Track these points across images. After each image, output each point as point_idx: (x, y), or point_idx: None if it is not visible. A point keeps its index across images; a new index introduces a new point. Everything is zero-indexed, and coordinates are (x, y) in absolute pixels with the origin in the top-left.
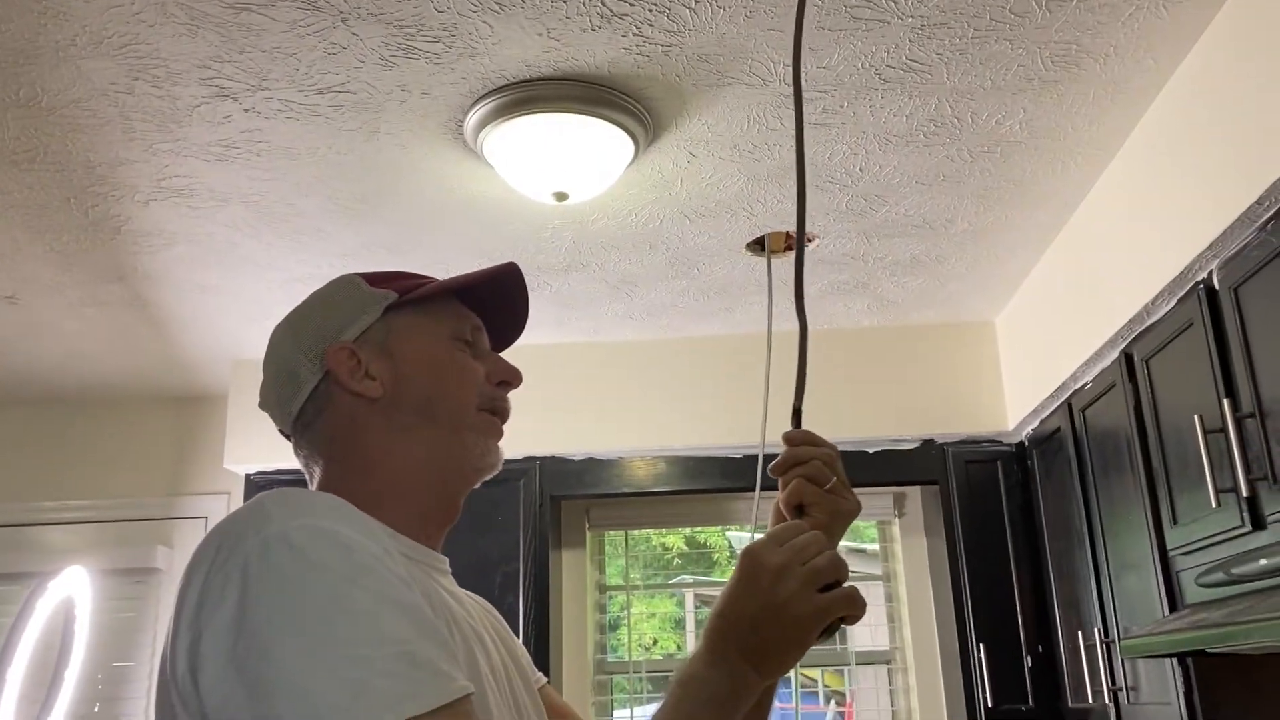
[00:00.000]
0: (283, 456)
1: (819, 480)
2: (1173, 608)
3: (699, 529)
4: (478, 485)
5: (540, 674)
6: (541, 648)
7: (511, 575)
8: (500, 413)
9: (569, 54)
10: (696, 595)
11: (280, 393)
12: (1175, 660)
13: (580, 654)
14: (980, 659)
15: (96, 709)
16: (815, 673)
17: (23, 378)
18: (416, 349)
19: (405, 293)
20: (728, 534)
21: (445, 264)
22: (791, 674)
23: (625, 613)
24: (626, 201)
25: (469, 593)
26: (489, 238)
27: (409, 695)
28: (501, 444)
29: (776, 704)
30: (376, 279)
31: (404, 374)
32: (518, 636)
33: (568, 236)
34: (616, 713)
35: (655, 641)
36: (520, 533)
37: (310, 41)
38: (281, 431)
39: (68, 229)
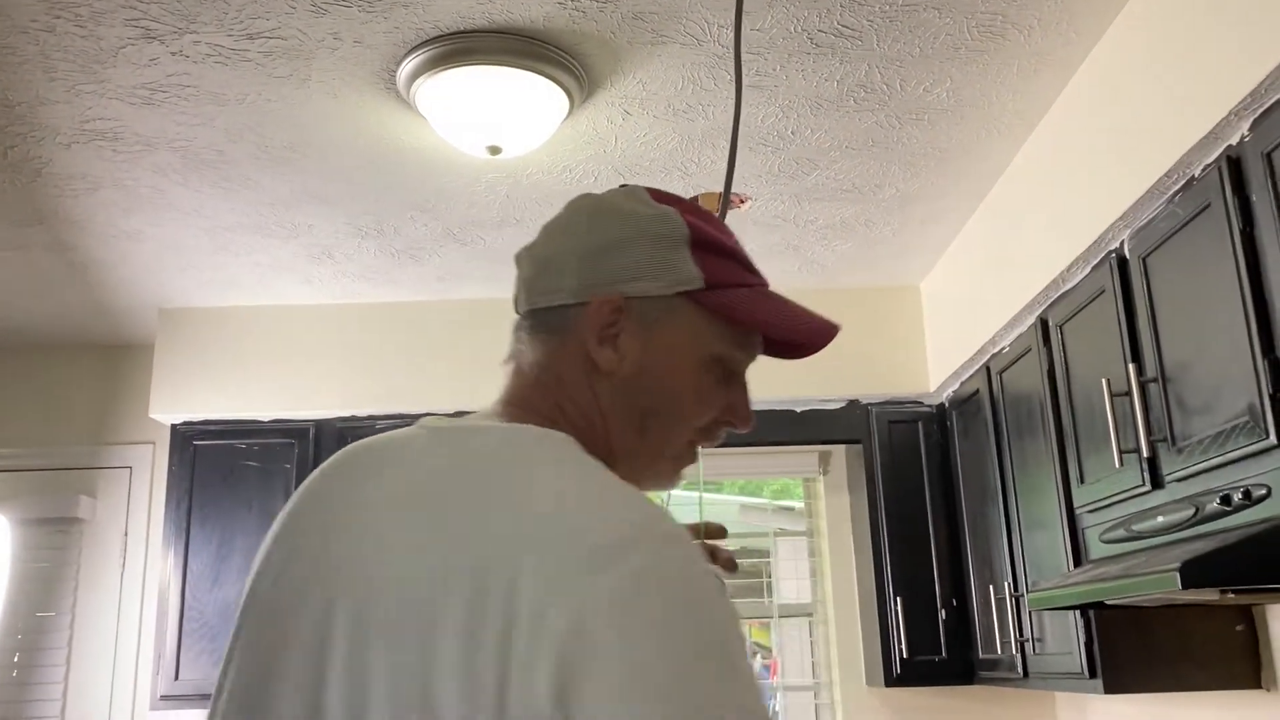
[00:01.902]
0: (211, 408)
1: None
2: (1078, 563)
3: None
4: None
5: None
6: None
7: None
8: (708, 442)
9: (504, 6)
10: None
11: (538, 276)
12: (1077, 612)
13: None
14: (897, 612)
15: (16, 659)
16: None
17: None
18: (673, 351)
19: (714, 287)
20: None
21: (376, 215)
22: None
23: None
24: (561, 158)
25: None
26: (422, 189)
27: None
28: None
29: None
30: (702, 240)
31: (647, 369)
32: None
33: (501, 191)
34: None
35: None
36: None
37: None
38: (515, 300)
39: None
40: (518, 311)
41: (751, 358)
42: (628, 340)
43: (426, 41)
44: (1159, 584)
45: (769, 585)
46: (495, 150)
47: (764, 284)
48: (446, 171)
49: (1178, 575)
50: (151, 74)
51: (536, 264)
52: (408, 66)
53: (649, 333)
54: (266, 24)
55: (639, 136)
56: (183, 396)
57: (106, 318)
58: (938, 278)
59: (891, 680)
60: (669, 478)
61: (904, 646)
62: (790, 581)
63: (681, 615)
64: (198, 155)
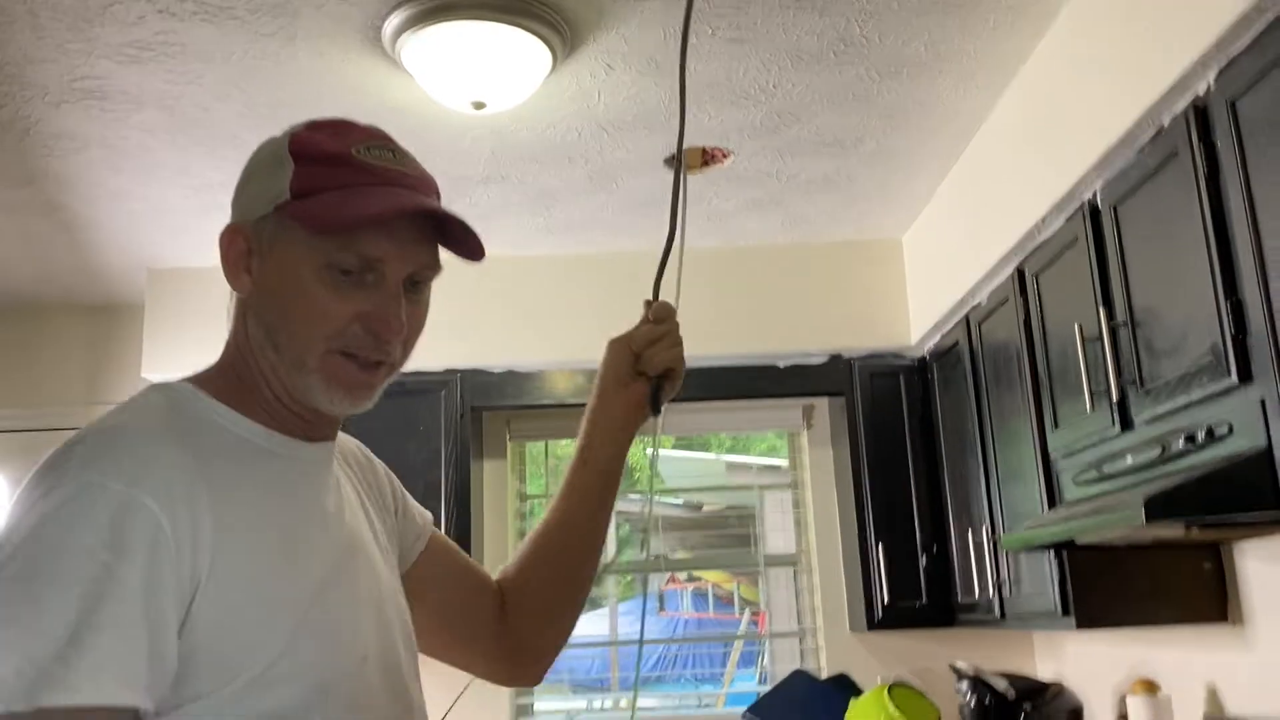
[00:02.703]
0: (202, 365)
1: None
2: (1053, 506)
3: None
4: (353, 412)
5: (425, 517)
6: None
7: (434, 483)
8: (359, 354)
9: None
10: (618, 512)
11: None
12: (1051, 554)
13: (501, 560)
14: (879, 559)
15: None
16: (731, 585)
17: None
18: (283, 264)
19: (302, 195)
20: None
21: None
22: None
23: None
24: (545, 113)
25: (365, 453)
26: (408, 146)
27: (46, 687)
28: (373, 388)
29: (693, 613)
30: (305, 151)
31: (266, 286)
32: None
33: (486, 148)
34: None
35: None
36: (441, 442)
37: None
38: None
39: None
40: None
41: (378, 254)
42: (256, 264)
43: None
44: (1124, 519)
45: (755, 538)
46: (479, 105)
47: (381, 181)
48: (432, 128)
49: (1142, 510)
50: (139, 32)
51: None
52: (392, 22)
53: (268, 254)
54: None
55: (622, 91)
56: (174, 356)
57: (97, 278)
58: (919, 231)
59: (873, 624)
60: (334, 394)
61: (885, 592)
62: (779, 533)
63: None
64: (185, 114)
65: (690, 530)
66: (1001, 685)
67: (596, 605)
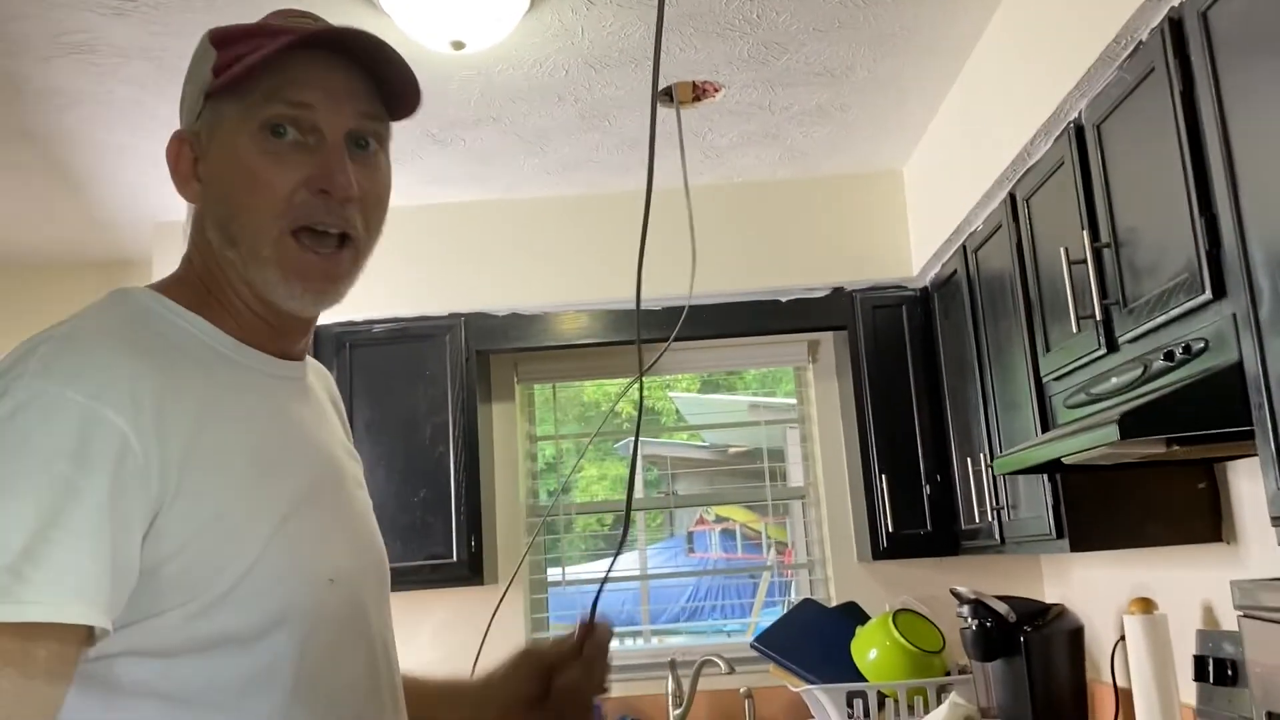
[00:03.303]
0: None
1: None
2: (1045, 430)
3: (624, 380)
4: (310, 313)
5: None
6: (472, 495)
7: (440, 426)
8: (313, 224)
9: None
10: (645, 455)
11: None
12: (1045, 477)
13: (512, 500)
14: (883, 489)
15: None
16: (759, 524)
17: None
18: (221, 150)
19: (224, 70)
20: (670, 394)
21: None
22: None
23: (558, 462)
24: (530, 51)
25: (320, 371)
26: None
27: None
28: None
29: (721, 553)
30: (224, 38)
31: (212, 183)
32: (448, 486)
33: (475, 89)
34: (550, 556)
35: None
36: (447, 386)
37: None
38: None
39: None
40: None
41: (307, 105)
42: (203, 167)
43: None
44: (1099, 438)
45: (766, 473)
46: (459, 45)
47: (295, 37)
48: (419, 70)
49: (1116, 427)
50: None
51: None
52: None
53: (209, 148)
54: None
55: (605, 26)
56: None
57: (104, 234)
58: (918, 161)
59: (879, 554)
60: (293, 285)
61: (890, 522)
62: (789, 465)
63: None
64: (173, 65)
65: (714, 471)
66: (1002, 608)
67: (629, 546)
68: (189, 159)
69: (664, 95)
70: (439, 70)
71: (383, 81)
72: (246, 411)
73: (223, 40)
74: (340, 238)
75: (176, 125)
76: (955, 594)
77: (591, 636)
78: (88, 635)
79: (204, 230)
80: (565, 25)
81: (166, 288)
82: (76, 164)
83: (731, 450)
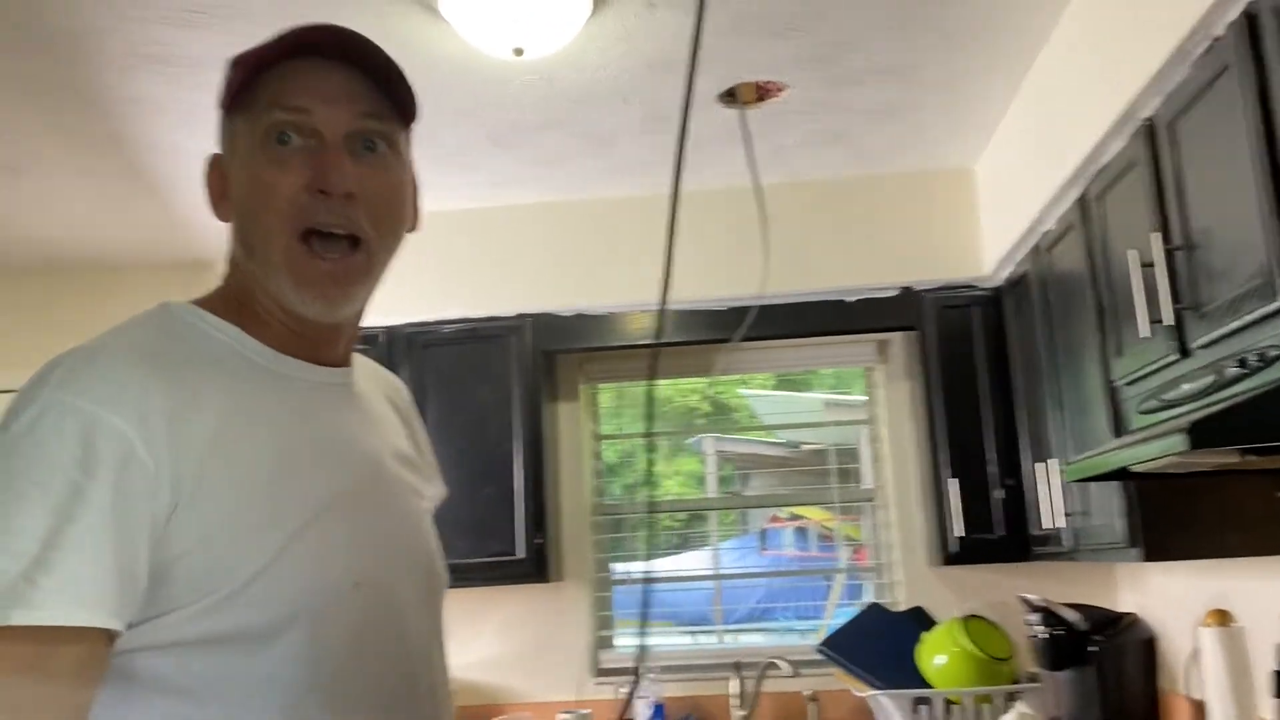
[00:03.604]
0: None
1: None
2: (1118, 436)
3: (691, 380)
4: (331, 320)
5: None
6: (537, 493)
7: (506, 425)
8: (318, 227)
9: None
10: (719, 451)
11: None
12: (1119, 485)
13: (577, 499)
14: (953, 493)
15: None
16: (834, 522)
17: (33, 247)
18: (238, 162)
19: (227, 89)
20: (743, 391)
21: (421, 124)
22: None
23: (623, 463)
24: (592, 55)
25: (388, 380)
26: (458, 95)
27: (11, 606)
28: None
29: (795, 551)
30: (235, 61)
31: (234, 199)
32: (512, 483)
33: (537, 93)
34: (617, 554)
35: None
36: (514, 385)
37: None
38: None
39: (54, 96)
40: None
41: (301, 108)
42: (230, 185)
43: None
44: (1168, 447)
45: (855, 474)
46: (519, 51)
47: (277, 45)
48: (482, 76)
49: (1185, 437)
50: None
51: None
52: None
53: (230, 166)
54: None
55: (665, 30)
56: None
57: (182, 235)
58: (991, 158)
59: (948, 559)
60: (303, 291)
61: (959, 526)
62: (852, 466)
63: None
64: None
65: (787, 469)
66: (1072, 617)
67: (701, 543)
68: (220, 179)
69: (727, 96)
70: (500, 75)
71: (388, 83)
72: (274, 417)
73: (237, 61)
74: (351, 241)
75: None
76: (1024, 601)
77: None
78: (109, 636)
79: (234, 245)
80: (627, 29)
81: (206, 301)
82: (155, 168)
83: (805, 448)
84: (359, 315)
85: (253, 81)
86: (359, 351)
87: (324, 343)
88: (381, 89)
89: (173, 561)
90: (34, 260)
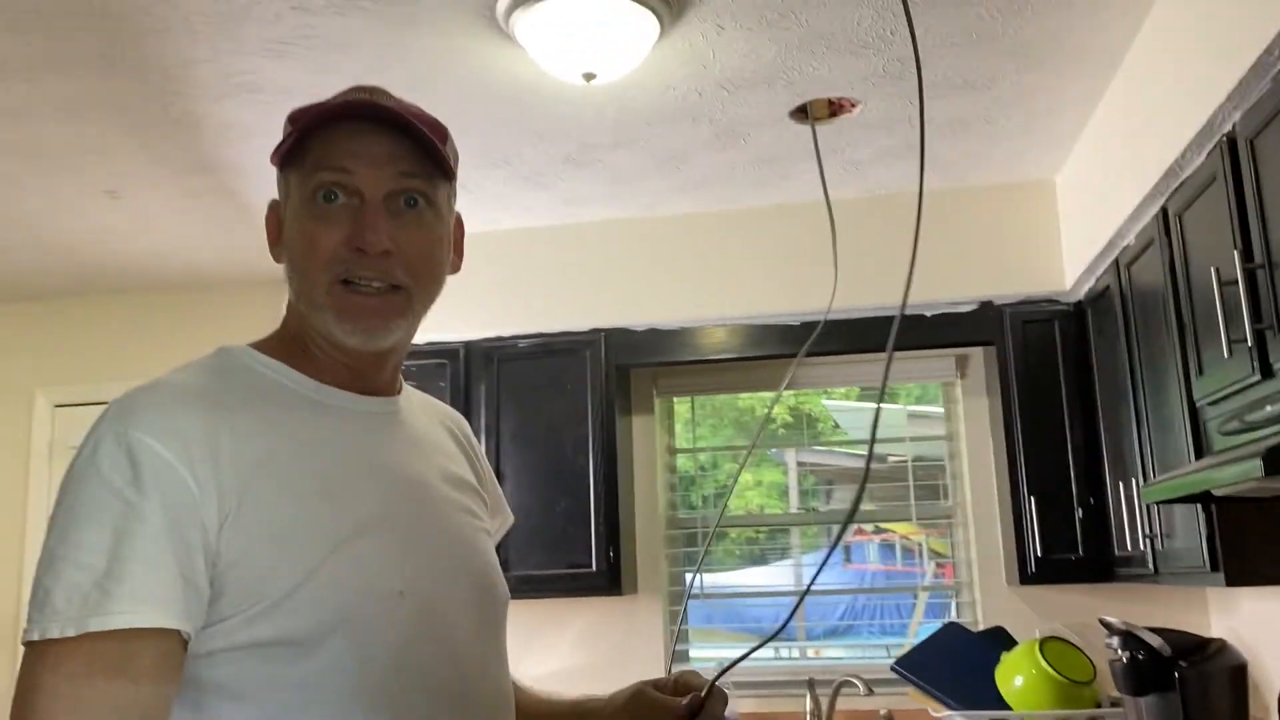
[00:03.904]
0: None
1: None
2: (1200, 457)
3: (766, 394)
4: (370, 349)
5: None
6: (611, 506)
7: (581, 438)
8: (351, 278)
9: None
10: (801, 463)
11: None
12: (1199, 506)
13: (652, 512)
14: (1032, 511)
15: None
16: (919, 536)
17: (134, 266)
18: (291, 212)
19: (281, 146)
20: (825, 402)
21: (499, 146)
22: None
23: (699, 475)
24: (663, 76)
25: (446, 413)
26: (534, 117)
27: (90, 614)
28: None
29: (880, 565)
30: (296, 114)
31: (286, 246)
32: (588, 496)
33: (610, 114)
34: (689, 566)
35: (762, 509)
36: (588, 399)
37: None
38: None
39: (153, 126)
40: None
41: (345, 169)
42: (283, 231)
43: None
44: (1246, 471)
45: (943, 489)
46: (590, 76)
47: (324, 111)
48: (553, 99)
49: (1261, 462)
50: (279, 29)
51: None
52: (504, 1)
53: (285, 215)
54: None
55: (736, 49)
56: None
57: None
58: (1072, 170)
59: (1027, 578)
60: (345, 324)
61: (1039, 545)
62: (929, 484)
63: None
64: None
65: (871, 483)
66: (1155, 641)
67: (782, 556)
68: (276, 225)
69: (799, 112)
70: (573, 97)
71: (428, 144)
72: (318, 442)
73: (293, 118)
74: (390, 286)
75: None
76: (1104, 624)
77: (708, 706)
78: (181, 638)
79: (289, 286)
80: (696, 51)
81: (261, 343)
82: (244, 190)
83: (891, 460)
84: (403, 347)
85: (304, 142)
86: (436, 368)
87: (370, 373)
88: (422, 148)
89: (225, 572)
90: (131, 278)
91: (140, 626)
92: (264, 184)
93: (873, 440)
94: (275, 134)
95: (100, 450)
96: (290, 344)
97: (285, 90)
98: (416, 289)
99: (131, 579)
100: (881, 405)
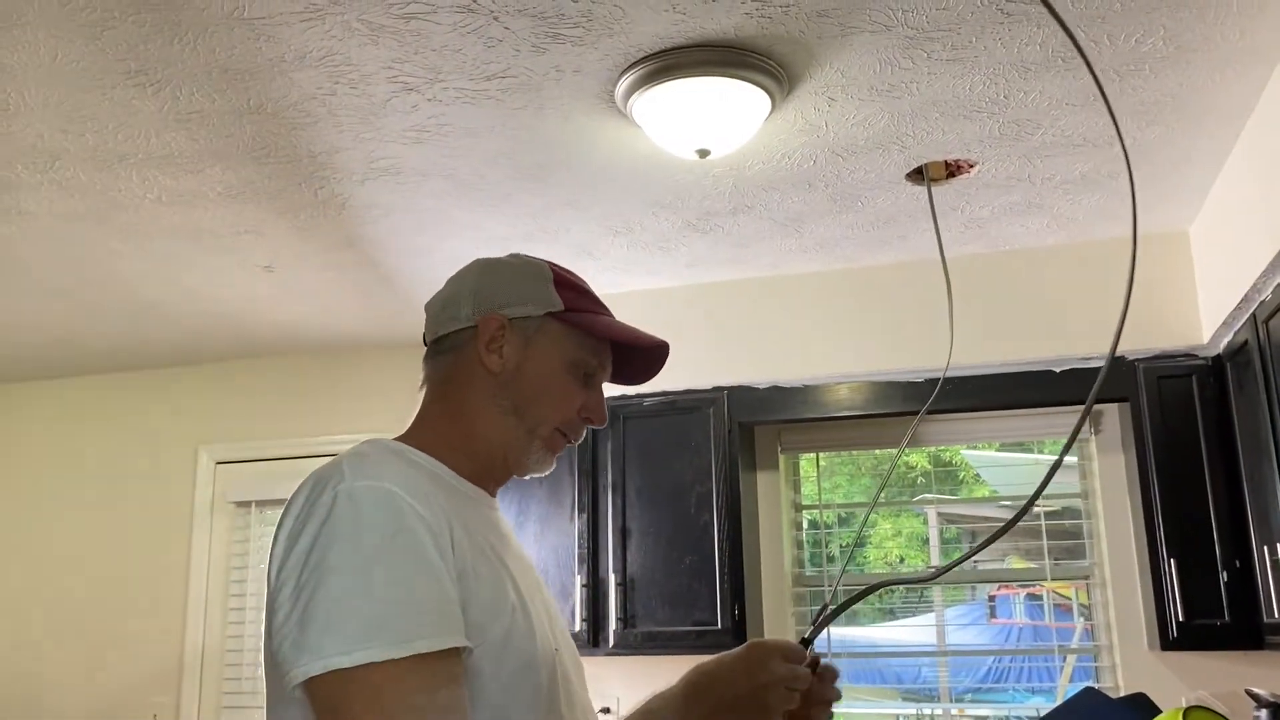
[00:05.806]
0: None
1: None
2: None
3: (890, 450)
4: (525, 478)
5: None
6: (735, 562)
7: (705, 495)
8: (571, 436)
9: (696, 24)
10: (939, 513)
11: (441, 312)
12: None
13: (778, 569)
14: (1173, 573)
15: None
16: (1069, 591)
17: (288, 332)
18: (545, 357)
19: (571, 310)
20: (965, 452)
21: (622, 215)
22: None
23: (822, 530)
24: (778, 146)
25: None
26: (654, 188)
27: (416, 637)
28: (598, 429)
29: (1026, 620)
30: (563, 281)
31: (524, 370)
32: (713, 552)
33: (728, 183)
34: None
35: (902, 560)
36: (711, 456)
37: (471, 38)
38: (425, 336)
39: (303, 208)
40: (426, 344)
41: (605, 367)
42: (510, 350)
43: (634, 63)
44: None
45: (1086, 549)
46: (704, 153)
47: (610, 315)
48: (676, 171)
49: None
50: (415, 118)
51: (438, 304)
52: (622, 86)
53: (527, 344)
54: (498, 66)
55: (848, 119)
56: None
57: (412, 319)
58: (1205, 222)
59: (1168, 644)
60: (545, 460)
61: (1180, 609)
62: (1062, 542)
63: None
64: (464, 180)
65: (1021, 536)
66: None
67: (925, 610)
68: (498, 336)
69: (915, 174)
70: (695, 169)
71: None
72: (474, 522)
73: (563, 282)
74: None
75: (467, 229)
76: (1251, 695)
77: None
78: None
79: (486, 393)
80: (809, 121)
81: (403, 437)
82: (389, 263)
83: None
84: None
85: (594, 336)
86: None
87: (500, 482)
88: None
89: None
90: (282, 342)
91: (453, 646)
92: (402, 255)
93: (1037, 493)
94: (412, 211)
95: (351, 501)
96: (443, 443)
97: (421, 173)
98: None
99: (431, 605)
100: (1005, 455)
